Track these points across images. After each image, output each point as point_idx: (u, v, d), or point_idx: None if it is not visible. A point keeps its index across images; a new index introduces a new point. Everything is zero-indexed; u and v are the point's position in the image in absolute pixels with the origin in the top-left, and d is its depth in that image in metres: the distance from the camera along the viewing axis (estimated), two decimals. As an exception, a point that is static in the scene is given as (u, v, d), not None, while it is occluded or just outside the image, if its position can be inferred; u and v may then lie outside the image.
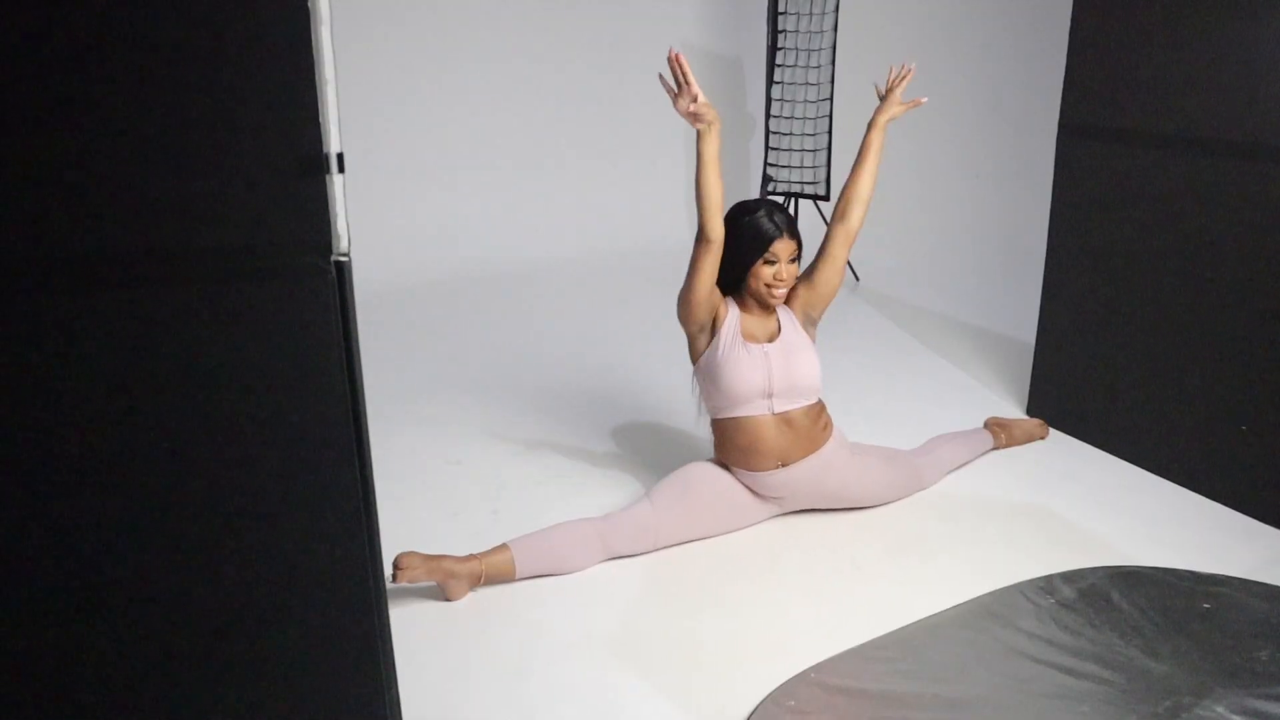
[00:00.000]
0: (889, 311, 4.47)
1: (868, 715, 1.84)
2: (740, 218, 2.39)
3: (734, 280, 2.44)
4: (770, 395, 2.42)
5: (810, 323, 2.53)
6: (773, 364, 2.41)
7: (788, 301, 2.50)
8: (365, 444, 1.39)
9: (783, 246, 2.38)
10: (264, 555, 1.38)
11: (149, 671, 1.37)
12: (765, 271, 2.39)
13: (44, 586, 1.29)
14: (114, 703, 1.36)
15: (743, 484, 2.51)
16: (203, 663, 1.39)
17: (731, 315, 2.44)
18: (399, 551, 2.16)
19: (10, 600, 1.27)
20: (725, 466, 2.53)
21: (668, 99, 2.24)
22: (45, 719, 1.33)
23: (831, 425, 2.55)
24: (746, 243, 2.38)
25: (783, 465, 2.47)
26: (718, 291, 2.43)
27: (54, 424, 1.24)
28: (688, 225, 5.56)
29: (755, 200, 2.47)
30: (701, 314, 2.41)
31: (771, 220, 2.38)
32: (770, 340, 2.46)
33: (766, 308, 2.47)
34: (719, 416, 2.48)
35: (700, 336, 2.45)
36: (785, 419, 2.44)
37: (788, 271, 2.40)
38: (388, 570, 1.98)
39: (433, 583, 2.22)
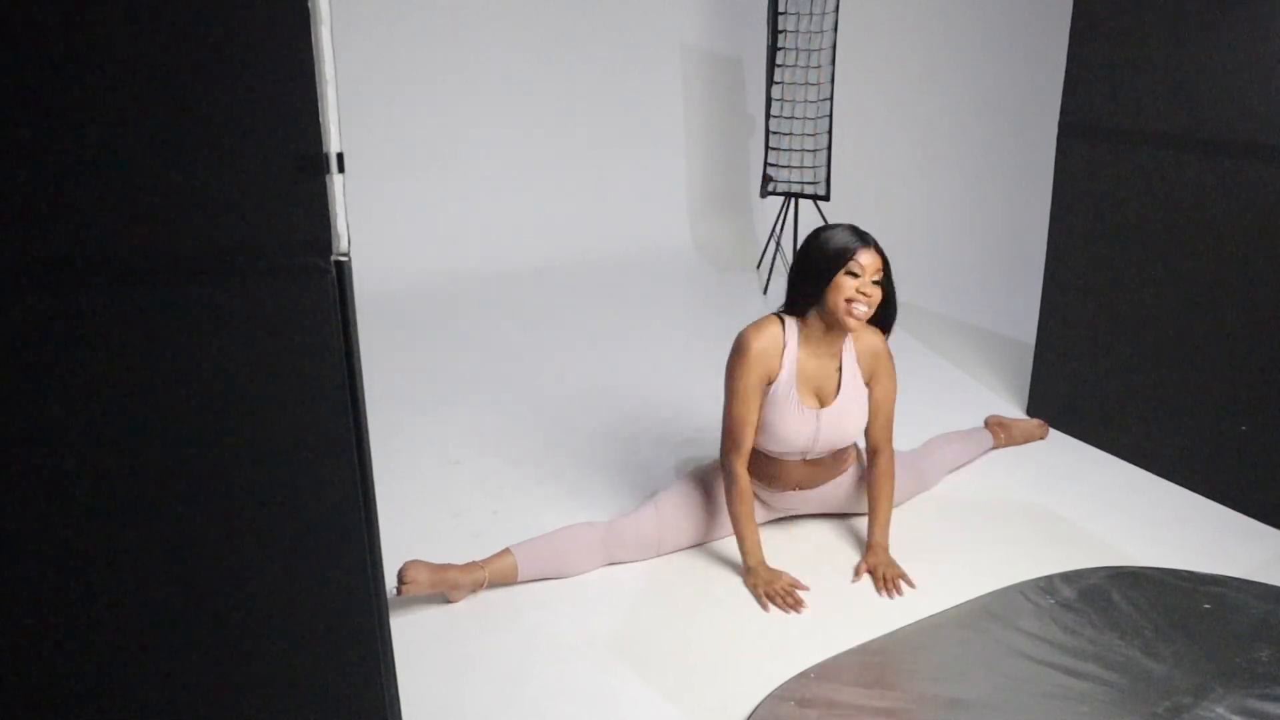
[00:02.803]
0: (889, 311, 4.47)
1: (868, 715, 1.84)
2: (817, 235, 2.27)
3: (807, 300, 2.27)
4: (807, 452, 2.40)
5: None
6: (821, 428, 2.33)
7: (864, 356, 2.35)
8: (365, 444, 1.39)
9: (867, 259, 2.19)
10: (263, 555, 1.38)
11: (148, 671, 1.37)
12: (847, 283, 2.19)
13: (42, 585, 1.29)
14: (113, 703, 1.36)
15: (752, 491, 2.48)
16: (202, 662, 1.39)
17: (788, 361, 2.28)
18: (401, 555, 2.16)
19: (9, 597, 1.27)
20: None
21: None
22: (45, 718, 1.33)
23: (854, 457, 2.54)
24: (827, 256, 2.20)
25: (799, 489, 2.47)
26: (768, 351, 2.27)
27: (53, 423, 1.24)
28: (688, 225, 5.56)
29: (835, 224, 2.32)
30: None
31: (854, 233, 2.23)
32: (824, 404, 2.33)
33: (836, 335, 2.29)
34: None
35: None
36: (814, 461, 2.44)
37: (872, 290, 2.21)
38: (388, 572, 1.97)
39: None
